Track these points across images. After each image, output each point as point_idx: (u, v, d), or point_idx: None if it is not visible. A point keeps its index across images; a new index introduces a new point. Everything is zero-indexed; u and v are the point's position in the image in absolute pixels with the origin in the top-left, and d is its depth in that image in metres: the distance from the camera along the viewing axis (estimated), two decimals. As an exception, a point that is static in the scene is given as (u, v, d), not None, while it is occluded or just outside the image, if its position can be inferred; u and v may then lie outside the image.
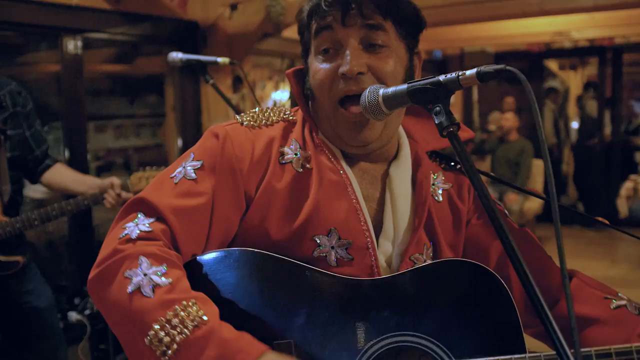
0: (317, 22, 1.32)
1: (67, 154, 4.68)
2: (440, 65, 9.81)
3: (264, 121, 1.41)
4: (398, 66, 1.33)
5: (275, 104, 7.49)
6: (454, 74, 1.07)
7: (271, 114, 1.43)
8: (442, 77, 1.08)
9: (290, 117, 1.44)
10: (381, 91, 1.20)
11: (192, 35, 5.64)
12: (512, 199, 7.03)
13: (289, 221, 1.31)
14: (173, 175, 1.32)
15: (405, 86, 1.15)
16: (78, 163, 4.60)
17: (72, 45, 4.64)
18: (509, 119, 7.60)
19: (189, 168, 1.32)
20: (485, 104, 10.08)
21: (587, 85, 10.16)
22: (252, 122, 1.40)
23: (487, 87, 9.79)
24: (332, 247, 1.30)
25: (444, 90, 1.08)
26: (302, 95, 1.42)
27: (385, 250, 1.36)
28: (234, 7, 5.63)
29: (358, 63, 1.27)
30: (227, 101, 2.54)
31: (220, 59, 2.54)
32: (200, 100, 5.78)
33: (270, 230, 1.30)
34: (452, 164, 1.54)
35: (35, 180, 2.93)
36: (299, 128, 1.42)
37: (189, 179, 1.30)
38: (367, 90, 1.23)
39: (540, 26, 7.34)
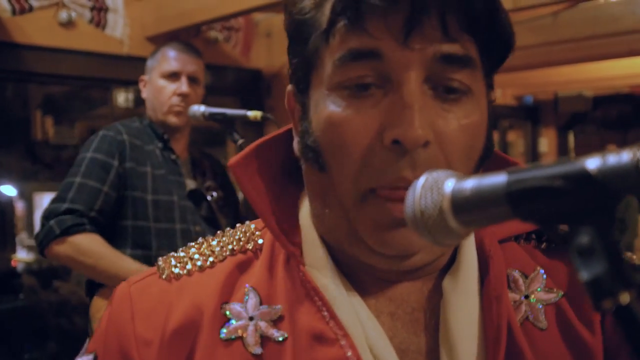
0: (350, 29, 0.66)
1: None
2: (531, 112, 9.00)
3: (200, 261, 0.79)
4: (481, 129, 0.71)
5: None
6: (625, 156, 0.42)
7: (215, 245, 0.81)
8: (591, 163, 0.44)
9: (253, 243, 0.81)
10: (449, 187, 0.54)
11: (256, 84, 5.21)
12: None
13: None
14: None
15: (503, 178, 0.49)
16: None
17: (123, 98, 4.31)
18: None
19: None
20: (583, 152, 9.12)
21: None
22: (177, 268, 0.79)
23: (585, 131, 8.90)
24: None
25: (598, 198, 0.43)
26: (272, 183, 0.80)
27: None
28: (301, 54, 5.16)
29: (426, 124, 0.66)
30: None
31: (250, 113, 1.99)
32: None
33: None
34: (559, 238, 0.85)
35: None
36: (264, 260, 0.78)
37: None
38: (420, 182, 0.57)
39: (647, 65, 6.50)
